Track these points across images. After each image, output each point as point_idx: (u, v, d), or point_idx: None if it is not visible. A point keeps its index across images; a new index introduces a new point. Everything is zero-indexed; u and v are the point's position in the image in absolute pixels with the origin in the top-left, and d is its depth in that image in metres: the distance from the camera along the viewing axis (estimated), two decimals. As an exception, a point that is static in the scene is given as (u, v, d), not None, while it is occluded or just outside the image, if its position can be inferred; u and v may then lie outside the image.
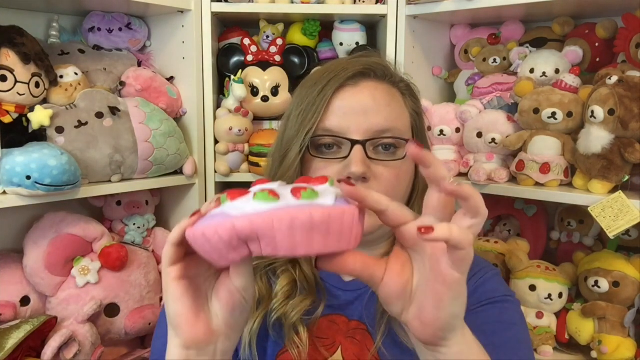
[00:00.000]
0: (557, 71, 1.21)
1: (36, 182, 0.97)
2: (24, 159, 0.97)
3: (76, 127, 1.11)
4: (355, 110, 0.71)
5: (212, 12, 1.31)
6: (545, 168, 1.13)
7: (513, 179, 1.22)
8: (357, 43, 1.41)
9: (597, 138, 1.04)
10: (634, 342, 1.15)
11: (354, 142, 0.70)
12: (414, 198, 0.77)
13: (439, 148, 1.35)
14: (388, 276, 0.47)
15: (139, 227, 1.31)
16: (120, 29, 1.31)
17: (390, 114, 0.72)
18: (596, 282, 1.15)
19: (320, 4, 1.35)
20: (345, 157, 0.70)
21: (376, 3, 1.36)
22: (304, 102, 0.73)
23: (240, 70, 1.33)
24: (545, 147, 1.15)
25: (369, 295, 0.76)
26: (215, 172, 1.36)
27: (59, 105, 1.12)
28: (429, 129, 1.35)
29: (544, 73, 1.21)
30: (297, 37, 1.43)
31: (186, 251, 0.49)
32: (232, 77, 1.32)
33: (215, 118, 1.35)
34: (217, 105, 1.39)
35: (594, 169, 1.05)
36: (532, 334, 1.20)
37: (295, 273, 0.76)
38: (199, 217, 0.46)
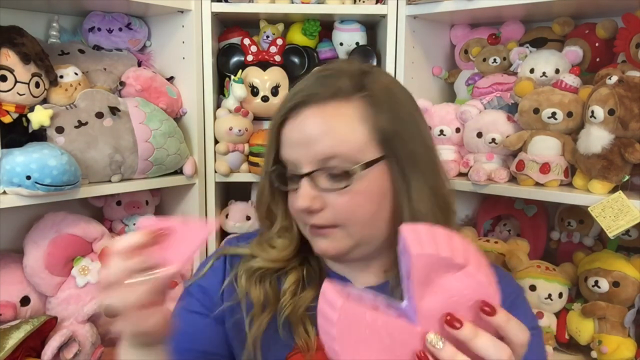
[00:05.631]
0: (557, 71, 1.21)
1: (36, 182, 0.97)
2: (24, 159, 0.97)
3: (76, 127, 1.11)
4: (299, 141, 0.69)
5: (212, 12, 1.31)
6: (545, 168, 1.13)
7: (513, 179, 1.22)
8: (357, 43, 1.41)
9: (597, 138, 1.04)
10: (634, 342, 1.14)
11: (299, 176, 0.69)
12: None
13: (439, 148, 1.34)
14: None
15: (139, 227, 1.31)
16: (120, 29, 1.31)
17: (334, 139, 0.67)
18: (596, 282, 1.15)
19: (320, 4, 1.35)
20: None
21: (376, 3, 1.36)
22: (267, 133, 0.76)
23: (240, 70, 1.33)
24: (545, 147, 1.15)
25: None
26: (215, 172, 1.36)
27: (59, 105, 1.12)
28: (429, 128, 1.35)
29: (544, 73, 1.21)
30: (297, 37, 1.43)
31: None
32: (232, 77, 1.32)
33: (215, 118, 1.35)
34: (217, 105, 1.39)
35: (594, 169, 1.05)
36: (532, 334, 1.20)
37: (304, 271, 0.77)
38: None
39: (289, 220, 0.77)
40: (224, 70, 1.39)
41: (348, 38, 1.41)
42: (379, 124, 0.68)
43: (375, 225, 0.71)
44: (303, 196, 0.68)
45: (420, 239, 0.47)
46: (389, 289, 0.74)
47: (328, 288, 0.47)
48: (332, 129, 0.68)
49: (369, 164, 0.68)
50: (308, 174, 0.68)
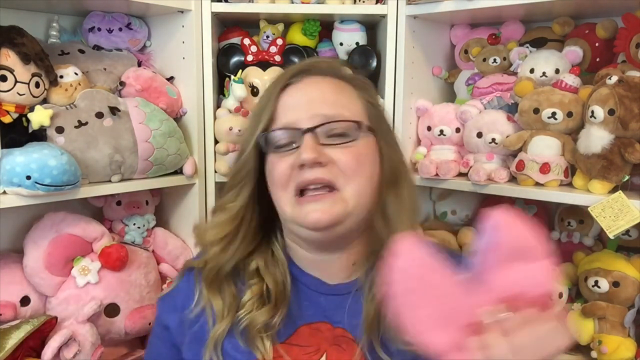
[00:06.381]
0: (557, 71, 1.21)
1: (36, 182, 0.97)
2: (24, 159, 0.97)
3: (76, 127, 1.11)
4: (301, 102, 0.73)
5: (212, 12, 1.31)
6: (545, 168, 1.13)
7: (513, 179, 1.22)
8: (357, 43, 1.41)
9: (597, 138, 1.04)
10: (634, 342, 1.15)
11: (304, 131, 0.70)
12: (382, 196, 0.76)
13: (439, 148, 1.35)
14: None
15: (139, 227, 1.31)
16: (120, 29, 1.30)
17: (337, 100, 0.73)
18: (596, 282, 1.15)
19: (320, 4, 1.35)
20: (299, 147, 0.71)
21: (376, 3, 1.36)
22: (257, 106, 0.78)
23: (240, 70, 1.33)
24: (545, 147, 1.15)
25: (353, 306, 0.75)
26: (215, 172, 1.36)
27: (59, 105, 1.12)
28: (429, 128, 1.35)
29: (544, 73, 1.21)
30: (297, 37, 1.43)
31: None
32: (232, 77, 1.32)
33: (215, 118, 1.35)
34: (217, 105, 1.39)
35: (594, 169, 1.05)
36: (532, 334, 1.20)
37: (263, 286, 0.76)
38: None
39: (235, 200, 0.77)
40: (224, 70, 1.38)
41: (348, 38, 1.41)
42: (366, 104, 0.77)
43: (367, 192, 0.73)
44: (310, 147, 0.69)
45: (514, 223, 0.51)
46: (358, 286, 0.76)
47: (406, 242, 0.51)
48: (338, 94, 0.74)
49: (369, 129, 0.74)
50: (311, 129, 0.70)
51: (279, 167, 0.72)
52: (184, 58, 1.33)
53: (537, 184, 1.15)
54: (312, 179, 0.69)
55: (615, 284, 1.14)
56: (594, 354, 1.14)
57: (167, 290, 0.86)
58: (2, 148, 0.98)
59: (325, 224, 0.70)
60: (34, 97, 1.05)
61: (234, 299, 0.76)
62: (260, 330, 0.72)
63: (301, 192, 0.71)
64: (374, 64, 1.39)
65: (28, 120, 1.05)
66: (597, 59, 1.26)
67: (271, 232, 0.81)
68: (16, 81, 1.02)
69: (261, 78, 1.36)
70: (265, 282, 0.76)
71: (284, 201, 0.73)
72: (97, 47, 1.29)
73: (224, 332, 0.74)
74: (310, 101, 0.73)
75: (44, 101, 1.11)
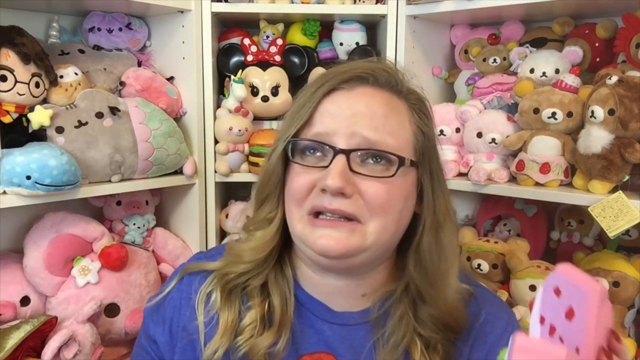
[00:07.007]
0: (557, 71, 1.21)
1: (36, 182, 0.97)
2: (24, 159, 0.97)
3: (76, 127, 1.11)
4: (345, 115, 0.64)
5: (212, 12, 1.31)
6: (545, 168, 1.13)
7: (513, 179, 1.22)
8: (357, 43, 1.41)
9: (597, 138, 1.04)
10: (634, 342, 1.14)
11: (337, 151, 0.63)
12: (417, 237, 0.70)
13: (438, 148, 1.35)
14: None
15: (139, 227, 1.31)
16: (120, 29, 1.31)
17: (385, 126, 0.64)
18: (596, 282, 1.15)
19: (320, 4, 1.35)
20: (327, 167, 0.63)
21: (376, 3, 1.36)
22: (296, 104, 0.70)
23: (240, 70, 1.33)
24: (545, 147, 1.15)
25: (367, 351, 0.69)
26: (215, 172, 1.36)
27: (59, 105, 1.12)
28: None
29: (544, 73, 1.21)
30: (297, 37, 1.43)
31: None
32: (232, 77, 1.32)
33: (215, 118, 1.35)
34: (217, 105, 1.39)
35: (594, 169, 1.05)
36: (532, 334, 1.20)
37: (265, 306, 0.70)
38: None
39: (276, 212, 0.70)
40: (224, 70, 1.38)
41: (348, 38, 1.41)
42: (416, 132, 0.68)
43: (391, 229, 0.67)
44: (338, 174, 0.61)
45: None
46: (366, 319, 0.71)
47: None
48: (387, 116, 0.65)
49: (412, 163, 0.67)
50: (346, 152, 0.62)
51: (299, 180, 0.66)
52: (184, 58, 1.33)
53: (537, 184, 1.15)
54: (332, 209, 0.63)
55: (616, 284, 1.14)
56: (594, 354, 1.14)
57: (157, 298, 0.77)
58: (2, 148, 0.98)
59: (335, 254, 0.63)
60: (34, 97, 1.05)
61: (236, 319, 0.70)
62: (261, 359, 0.67)
63: (316, 213, 0.65)
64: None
65: (28, 120, 1.05)
66: (597, 59, 1.26)
67: (283, 246, 0.74)
68: (16, 81, 1.02)
69: (261, 78, 1.36)
70: (268, 301, 0.71)
71: (296, 217, 0.66)
72: (97, 47, 1.29)
73: (219, 358, 0.68)
74: (354, 116, 0.64)
75: (44, 101, 1.11)
